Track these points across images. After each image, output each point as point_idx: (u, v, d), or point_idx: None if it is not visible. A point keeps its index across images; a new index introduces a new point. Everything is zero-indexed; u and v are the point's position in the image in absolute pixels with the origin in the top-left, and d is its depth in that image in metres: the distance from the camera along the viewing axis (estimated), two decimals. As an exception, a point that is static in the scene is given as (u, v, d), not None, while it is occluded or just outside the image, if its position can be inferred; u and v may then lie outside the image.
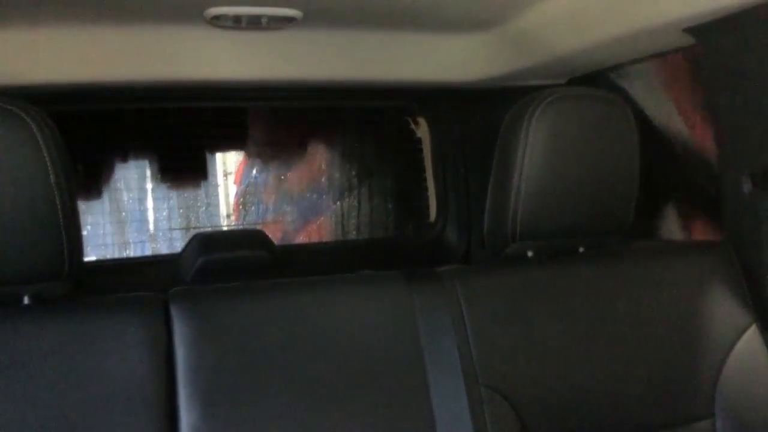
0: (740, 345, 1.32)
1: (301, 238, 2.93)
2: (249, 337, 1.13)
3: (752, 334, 1.33)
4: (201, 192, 2.87)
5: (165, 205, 2.81)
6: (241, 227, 3.18)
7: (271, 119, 2.68)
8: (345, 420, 1.12)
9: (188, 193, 2.85)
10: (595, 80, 1.81)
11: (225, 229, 2.97)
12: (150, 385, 1.06)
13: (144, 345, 1.07)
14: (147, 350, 1.07)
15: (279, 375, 1.11)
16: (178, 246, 2.64)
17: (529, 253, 1.32)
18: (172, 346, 1.09)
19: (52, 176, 1.00)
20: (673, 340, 1.31)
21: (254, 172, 3.08)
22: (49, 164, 0.99)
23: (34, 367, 1.02)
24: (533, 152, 1.23)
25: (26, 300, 1.06)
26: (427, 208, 2.44)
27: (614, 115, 1.29)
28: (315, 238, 2.93)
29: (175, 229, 2.84)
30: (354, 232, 2.89)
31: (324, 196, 2.89)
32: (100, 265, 2.29)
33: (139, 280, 1.87)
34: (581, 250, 1.35)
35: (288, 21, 1.51)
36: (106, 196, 2.69)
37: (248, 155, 2.86)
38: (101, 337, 1.06)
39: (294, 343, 1.14)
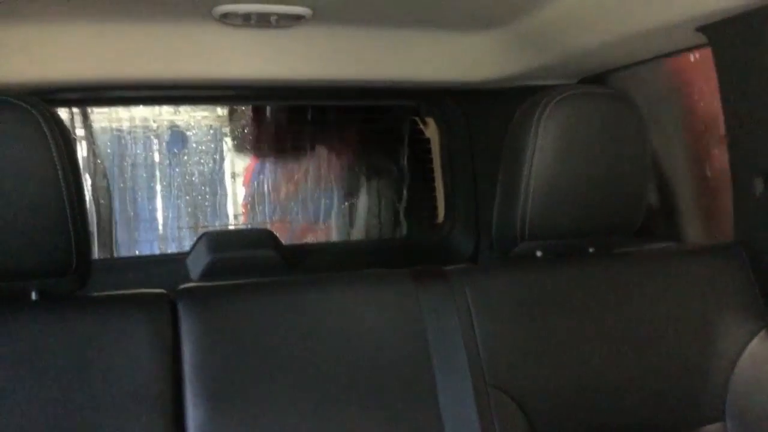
0: (751, 348, 1.30)
1: (309, 239, 2.93)
2: (256, 334, 1.12)
3: (763, 337, 1.31)
4: (209, 192, 2.88)
5: (172, 204, 2.82)
6: (249, 227, 3.19)
7: (279, 118, 2.68)
8: (352, 418, 1.11)
9: (197, 193, 2.86)
10: (606, 80, 1.79)
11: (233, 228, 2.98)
12: (157, 383, 1.05)
13: (151, 342, 1.07)
14: (154, 347, 1.07)
15: (286, 372, 1.11)
16: (187, 245, 2.65)
17: (538, 253, 1.31)
18: (179, 344, 1.09)
19: (59, 171, 0.99)
20: (683, 342, 1.29)
21: (263, 172, 3.08)
22: (56, 159, 0.99)
23: (40, 363, 1.02)
24: (542, 151, 1.22)
25: (34, 296, 1.06)
26: (435, 208, 2.43)
27: (625, 114, 1.28)
28: (323, 239, 2.93)
29: (183, 228, 2.85)
30: (362, 233, 2.88)
31: (332, 197, 2.89)
32: (109, 263, 2.29)
33: (147, 278, 1.87)
34: (591, 250, 1.34)
35: (297, 19, 1.51)
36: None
37: (257, 156, 2.87)
38: (108, 334, 1.06)
39: (300, 341, 1.13)
